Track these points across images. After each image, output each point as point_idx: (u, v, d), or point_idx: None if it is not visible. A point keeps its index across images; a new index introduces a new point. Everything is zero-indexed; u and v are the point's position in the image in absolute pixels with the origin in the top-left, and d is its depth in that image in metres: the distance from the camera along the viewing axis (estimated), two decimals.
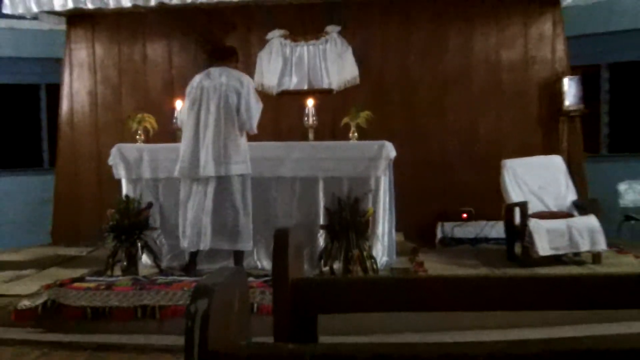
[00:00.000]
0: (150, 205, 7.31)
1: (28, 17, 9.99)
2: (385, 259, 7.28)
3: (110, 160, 7.59)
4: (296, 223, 7.17)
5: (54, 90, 10.74)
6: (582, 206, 7.85)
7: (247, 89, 6.97)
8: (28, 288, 6.52)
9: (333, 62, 9.68)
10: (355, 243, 6.62)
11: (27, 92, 11.56)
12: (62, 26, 10.32)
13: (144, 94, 10.08)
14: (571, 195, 8.01)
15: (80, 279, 6.80)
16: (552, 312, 4.81)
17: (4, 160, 11.53)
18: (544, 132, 9.57)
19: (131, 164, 7.55)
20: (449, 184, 9.57)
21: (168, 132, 8.10)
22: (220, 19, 9.78)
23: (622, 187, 9.48)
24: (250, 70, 9.34)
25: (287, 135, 8.85)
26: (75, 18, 10.18)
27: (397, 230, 7.74)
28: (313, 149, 7.38)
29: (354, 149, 7.29)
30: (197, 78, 7.18)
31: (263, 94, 8.37)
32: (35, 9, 9.62)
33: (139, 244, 7.11)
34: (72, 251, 9.08)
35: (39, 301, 5.96)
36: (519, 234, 7.46)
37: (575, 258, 7.52)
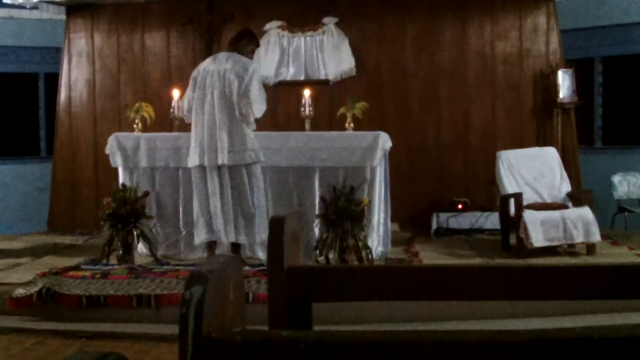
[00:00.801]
0: (146, 193, 7.31)
1: (28, 6, 10.02)
2: (380, 248, 7.30)
3: (108, 149, 7.57)
4: (292, 212, 7.17)
5: (53, 79, 10.74)
6: (576, 197, 7.88)
7: (250, 73, 6.75)
8: (24, 276, 6.53)
9: (330, 54, 9.69)
10: (351, 233, 6.62)
11: (26, 80, 11.60)
12: (62, 16, 10.31)
13: (142, 83, 10.08)
14: (565, 187, 8.03)
15: (76, 268, 6.83)
16: (547, 302, 4.86)
17: (2, 148, 11.55)
18: (538, 124, 9.60)
19: (128, 153, 7.53)
20: (444, 174, 9.62)
21: (165, 122, 8.13)
22: (218, 9, 9.79)
23: (616, 178, 9.51)
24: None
25: (284, 125, 8.87)
26: (75, 8, 10.16)
27: (392, 220, 7.75)
28: (309, 138, 7.38)
29: (350, 139, 7.30)
30: (204, 62, 7.09)
31: None
32: None
33: (135, 233, 7.08)
34: (68, 239, 9.09)
35: (35, 289, 5.97)
36: (513, 225, 7.48)
37: (569, 249, 7.55)
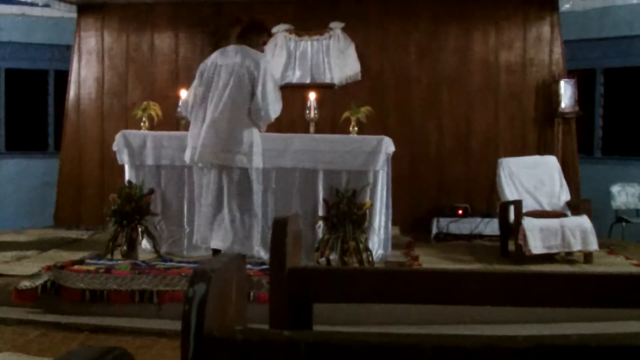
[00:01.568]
0: (152, 191, 7.36)
1: (40, 4, 10.09)
2: (380, 251, 7.31)
3: (115, 146, 7.59)
4: (294, 214, 7.16)
5: (63, 77, 10.80)
6: (575, 206, 7.93)
7: (262, 70, 6.43)
8: (29, 269, 6.55)
9: (336, 58, 9.74)
10: (352, 235, 6.64)
11: (36, 77, 11.66)
12: (73, 14, 10.37)
13: (150, 82, 10.15)
14: (565, 195, 8.08)
15: (80, 262, 6.83)
16: (544, 309, 4.89)
17: (11, 143, 11.63)
18: (539, 132, 9.66)
19: (135, 150, 7.55)
20: (445, 180, 9.69)
21: (172, 121, 8.20)
22: (227, 11, 9.84)
23: (615, 188, 9.56)
24: None
25: (289, 127, 8.92)
26: (86, 6, 10.23)
27: (393, 224, 7.78)
28: (313, 141, 7.39)
29: (354, 142, 7.31)
30: (212, 55, 6.81)
31: None
32: None
33: (140, 229, 7.15)
34: (73, 234, 9.15)
35: (39, 282, 6.00)
36: (512, 231, 7.52)
37: (567, 257, 7.59)
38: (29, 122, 11.86)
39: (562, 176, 8.20)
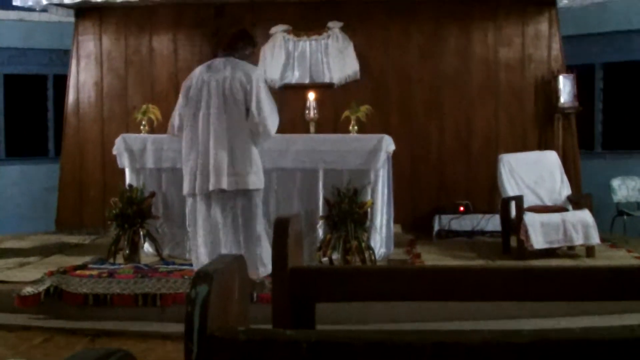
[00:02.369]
0: (153, 194, 7.37)
1: (37, 9, 10.07)
2: (382, 250, 7.31)
3: (115, 150, 7.60)
4: (296, 213, 7.15)
5: (61, 81, 10.80)
6: (576, 201, 7.94)
7: (255, 83, 5.77)
8: (32, 274, 6.56)
9: (334, 58, 9.74)
10: (354, 234, 6.64)
11: (35, 82, 11.68)
12: (71, 18, 10.36)
13: (150, 86, 10.14)
14: (566, 190, 8.08)
15: (83, 267, 6.86)
16: (547, 303, 4.90)
17: (11, 148, 11.64)
18: (540, 128, 9.67)
19: (135, 154, 7.55)
20: (446, 178, 9.70)
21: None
22: (226, 13, 9.84)
23: (615, 182, 9.56)
24: (254, 64, 9.38)
25: (289, 128, 8.90)
26: (84, 10, 10.21)
27: (394, 222, 7.78)
28: (314, 141, 7.39)
29: (354, 142, 7.30)
30: (196, 71, 6.06)
31: None
32: (44, 2, 9.65)
33: (142, 233, 7.15)
34: (75, 239, 9.16)
35: (42, 287, 5.99)
36: (514, 227, 7.52)
37: (569, 252, 7.60)
38: (28, 127, 11.87)
39: (563, 171, 8.20)
